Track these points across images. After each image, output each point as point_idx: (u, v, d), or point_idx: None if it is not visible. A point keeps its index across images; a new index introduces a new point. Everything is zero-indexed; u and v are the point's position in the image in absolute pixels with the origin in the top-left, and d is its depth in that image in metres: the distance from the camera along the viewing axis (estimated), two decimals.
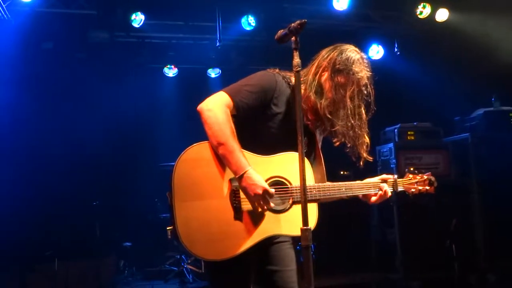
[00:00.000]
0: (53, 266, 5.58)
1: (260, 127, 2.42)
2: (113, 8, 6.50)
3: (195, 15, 6.86)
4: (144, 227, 7.06)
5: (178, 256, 6.48)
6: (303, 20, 2.12)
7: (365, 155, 2.52)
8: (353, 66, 2.43)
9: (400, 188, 2.70)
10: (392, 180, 2.67)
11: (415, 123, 6.44)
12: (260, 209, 2.29)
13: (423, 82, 7.29)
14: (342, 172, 8.10)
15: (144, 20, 6.50)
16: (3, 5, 5.75)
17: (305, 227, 1.99)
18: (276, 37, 2.23)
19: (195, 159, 2.31)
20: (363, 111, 2.50)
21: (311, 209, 2.40)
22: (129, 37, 7.17)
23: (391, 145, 6.31)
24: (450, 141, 6.47)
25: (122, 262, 6.72)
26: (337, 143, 2.51)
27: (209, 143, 2.33)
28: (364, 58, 2.49)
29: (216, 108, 2.30)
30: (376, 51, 7.57)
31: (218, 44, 6.70)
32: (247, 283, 2.40)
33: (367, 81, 2.49)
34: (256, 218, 2.31)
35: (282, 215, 2.36)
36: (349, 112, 2.43)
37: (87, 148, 6.61)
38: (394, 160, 6.19)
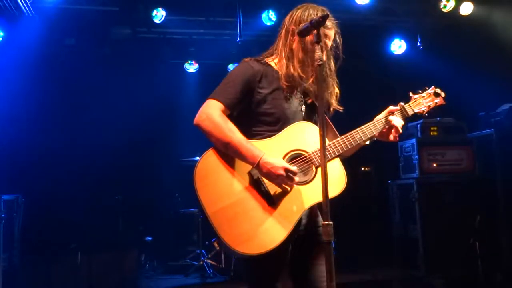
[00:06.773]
0: (76, 258, 5.67)
1: (259, 113, 2.43)
2: (135, 4, 6.58)
3: (216, 10, 6.88)
4: (165, 221, 7.12)
5: (199, 251, 6.51)
6: (325, 13, 2.11)
7: (335, 104, 2.55)
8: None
9: (411, 112, 2.68)
10: (399, 108, 2.66)
11: (438, 119, 6.33)
12: (288, 188, 2.31)
13: (447, 76, 7.14)
14: (363, 168, 8.06)
15: (165, 16, 6.55)
16: (28, 2, 5.84)
17: (327, 222, 1.98)
18: (297, 31, 2.23)
19: (208, 168, 2.34)
20: (332, 62, 2.54)
21: (335, 170, 2.42)
22: (150, 33, 7.23)
23: (413, 140, 6.22)
24: (474, 137, 6.34)
25: (143, 256, 6.79)
26: (310, 101, 2.55)
27: (213, 150, 2.37)
28: (325, 10, 2.47)
29: (210, 114, 2.35)
30: (399, 46, 7.43)
31: (238, 39, 6.70)
32: (283, 273, 2.41)
33: (334, 30, 2.50)
34: (288, 198, 2.32)
35: (309, 185, 2.36)
36: None
37: (109, 143, 6.67)
38: (416, 156, 6.11)
